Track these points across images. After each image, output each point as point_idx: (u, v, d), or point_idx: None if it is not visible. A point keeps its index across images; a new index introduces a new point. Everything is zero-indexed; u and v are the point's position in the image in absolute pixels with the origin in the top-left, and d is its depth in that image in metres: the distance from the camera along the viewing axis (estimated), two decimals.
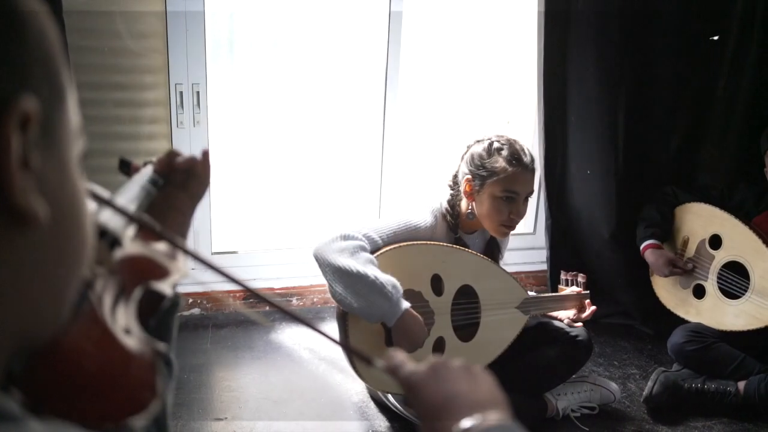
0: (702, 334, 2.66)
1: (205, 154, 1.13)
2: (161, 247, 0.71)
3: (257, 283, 3.10)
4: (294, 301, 3.15)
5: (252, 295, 3.02)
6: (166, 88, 2.77)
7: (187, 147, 2.84)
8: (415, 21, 3.02)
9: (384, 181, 3.18)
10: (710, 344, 2.63)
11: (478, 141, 2.29)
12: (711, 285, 2.77)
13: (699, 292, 2.82)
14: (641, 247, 2.89)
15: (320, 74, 3.03)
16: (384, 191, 3.19)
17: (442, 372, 0.76)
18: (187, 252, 0.70)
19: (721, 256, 2.76)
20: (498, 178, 2.20)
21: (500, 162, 2.19)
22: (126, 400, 0.55)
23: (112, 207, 0.67)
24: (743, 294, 2.66)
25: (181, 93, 2.77)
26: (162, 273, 0.69)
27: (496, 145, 2.23)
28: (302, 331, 3.00)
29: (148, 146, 2.81)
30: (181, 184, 0.96)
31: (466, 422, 0.70)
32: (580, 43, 2.94)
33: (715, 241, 2.79)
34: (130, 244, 0.69)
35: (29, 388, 0.51)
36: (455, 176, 2.33)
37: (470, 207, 2.27)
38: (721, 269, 2.75)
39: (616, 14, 2.90)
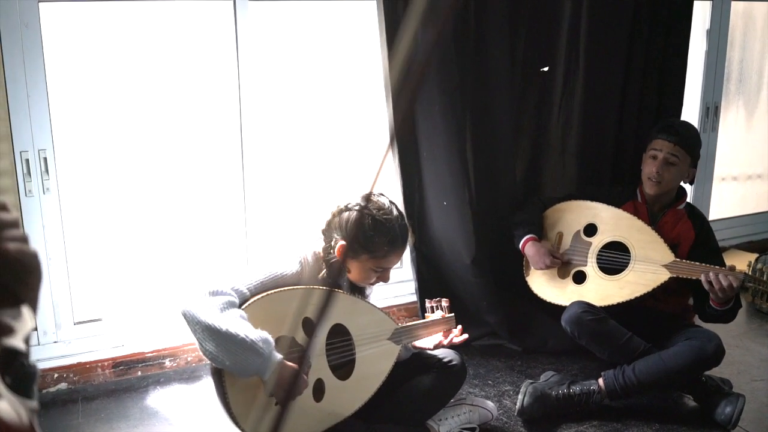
0: (594, 307, 2.80)
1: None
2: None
3: (124, 349, 3.00)
4: (167, 362, 3.06)
5: (122, 362, 2.94)
6: (11, 156, 2.67)
7: (38, 215, 2.73)
8: (266, 58, 3.07)
9: (249, 232, 3.17)
10: (602, 318, 2.77)
11: (354, 210, 2.29)
12: (591, 268, 2.94)
13: (579, 278, 2.97)
14: (521, 243, 3.03)
15: (172, 128, 3.00)
16: (250, 242, 3.18)
17: None
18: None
19: (598, 240, 2.96)
20: (374, 256, 2.28)
21: (380, 245, 2.26)
22: None
23: None
24: (626, 267, 2.86)
25: (27, 160, 2.67)
26: (8, 329, 0.67)
27: (378, 224, 2.24)
28: (177, 392, 2.92)
29: None
30: None
31: None
32: (424, 81, 3.07)
33: (590, 230, 2.99)
34: None
35: None
36: (328, 229, 2.34)
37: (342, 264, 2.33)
38: (600, 252, 2.93)
39: (453, 53, 3.06)
